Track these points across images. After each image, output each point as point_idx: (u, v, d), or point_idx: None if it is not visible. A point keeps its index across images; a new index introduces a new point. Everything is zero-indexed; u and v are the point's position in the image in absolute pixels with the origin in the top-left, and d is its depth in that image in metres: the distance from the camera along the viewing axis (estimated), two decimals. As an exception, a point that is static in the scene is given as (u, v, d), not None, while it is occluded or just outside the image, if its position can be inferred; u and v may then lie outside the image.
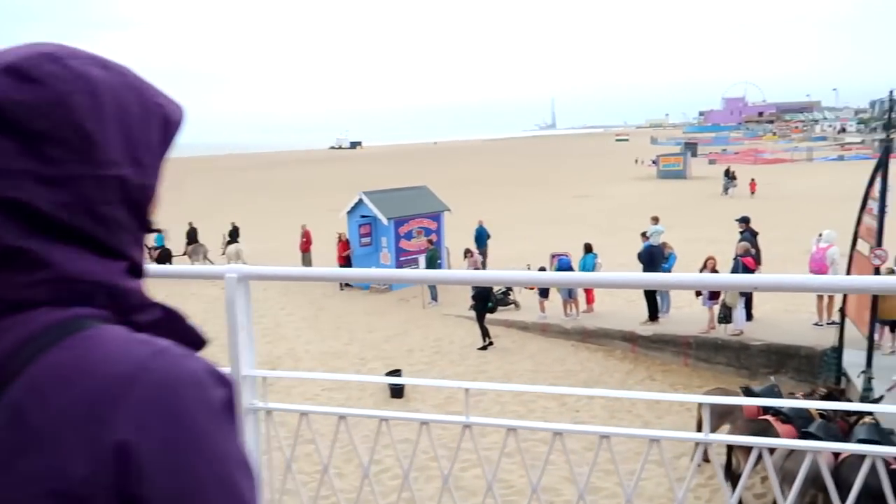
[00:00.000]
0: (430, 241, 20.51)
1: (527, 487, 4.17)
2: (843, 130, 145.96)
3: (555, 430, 2.43)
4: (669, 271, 14.62)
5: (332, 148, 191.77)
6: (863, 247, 9.47)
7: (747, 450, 7.96)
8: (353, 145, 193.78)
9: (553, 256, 19.26)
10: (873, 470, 6.90)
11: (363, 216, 21.41)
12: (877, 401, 8.39)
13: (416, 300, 19.21)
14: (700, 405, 9.49)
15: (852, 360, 10.41)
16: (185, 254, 23.75)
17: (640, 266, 14.80)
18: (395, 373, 12.94)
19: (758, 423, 8.53)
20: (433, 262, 19.24)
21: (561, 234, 30.22)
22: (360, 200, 21.42)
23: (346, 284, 21.15)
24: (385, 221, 20.76)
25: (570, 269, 15.90)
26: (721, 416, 9.42)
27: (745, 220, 13.96)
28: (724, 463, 8.80)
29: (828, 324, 12.91)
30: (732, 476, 8.57)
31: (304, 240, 22.91)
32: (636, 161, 74.11)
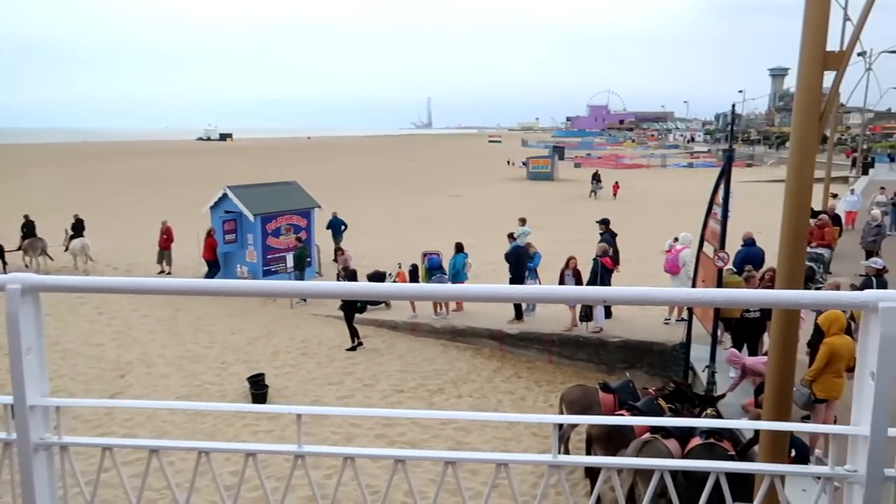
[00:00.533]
0: (298, 239, 19.84)
1: None
2: (692, 140, 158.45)
3: (396, 457, 2.22)
4: (535, 269, 15.00)
5: (200, 139, 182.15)
6: (708, 249, 10.14)
7: (605, 445, 8.13)
8: (223, 137, 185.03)
9: (424, 255, 19.24)
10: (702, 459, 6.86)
11: (227, 212, 20.35)
12: (719, 398, 8.97)
13: (283, 300, 18.52)
14: (560, 400, 9.75)
15: (698, 354, 11.14)
16: (19, 248, 21.49)
17: (507, 266, 15.06)
18: (258, 377, 12.34)
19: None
20: (302, 261, 18.63)
21: (434, 233, 30.42)
22: (225, 195, 20.34)
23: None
24: (251, 218, 19.84)
25: (440, 267, 15.93)
26: (581, 410, 9.70)
27: (605, 223, 14.61)
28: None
29: (676, 320, 13.77)
30: (592, 473, 8.85)
31: (164, 236, 21.42)
32: (508, 163, 76.29)
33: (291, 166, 72.59)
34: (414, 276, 16.25)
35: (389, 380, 13.04)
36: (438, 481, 2.24)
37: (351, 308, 14.80)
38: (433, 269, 15.77)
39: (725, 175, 9.31)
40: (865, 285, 13.33)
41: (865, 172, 49.22)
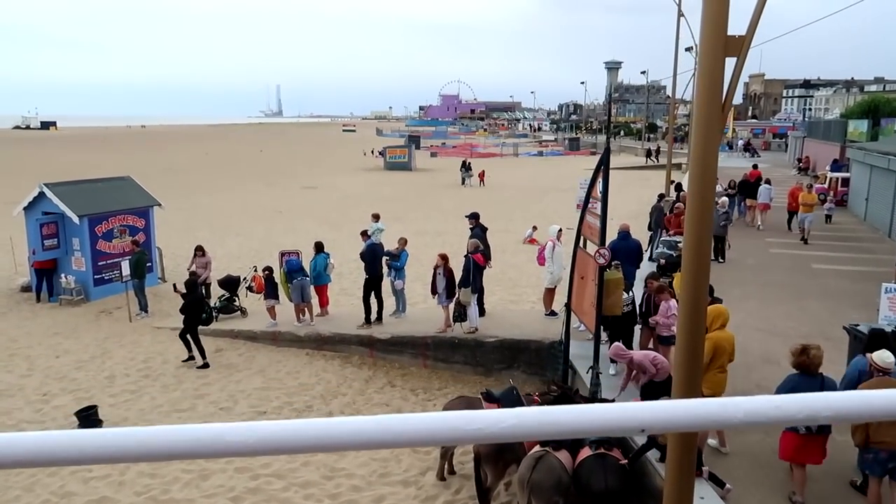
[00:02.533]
0: (135, 243, 17.61)
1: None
2: (539, 129, 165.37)
3: None
4: (401, 269, 14.14)
5: (18, 128, 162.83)
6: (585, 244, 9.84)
7: (494, 462, 7.25)
8: (45, 126, 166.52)
9: (282, 255, 17.77)
10: (600, 471, 6.51)
11: (46, 213, 17.60)
12: (606, 402, 8.65)
13: (120, 311, 16.34)
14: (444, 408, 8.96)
15: (577, 352, 10.86)
16: None
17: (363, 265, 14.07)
18: (89, 410, 10.51)
19: (502, 432, 8.23)
20: (141, 267, 16.49)
21: (289, 228, 28.73)
22: (42, 194, 17.58)
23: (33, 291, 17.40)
24: (76, 219, 17.28)
25: (300, 269, 14.63)
26: (465, 425, 9.02)
27: (474, 217, 14.05)
28: (474, 478, 8.36)
29: (545, 315, 13.52)
30: (482, 490, 8.18)
31: (-35, 243, 18.24)
32: (365, 153, 74.86)
33: (125, 158, 66.64)
34: (270, 282, 14.81)
35: (249, 400, 11.67)
36: None
37: (193, 320, 13.14)
38: (293, 272, 14.45)
39: (603, 168, 8.95)
40: (678, 264, 13.82)
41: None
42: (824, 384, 6.64)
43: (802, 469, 6.90)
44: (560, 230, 13.10)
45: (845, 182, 29.41)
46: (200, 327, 13.38)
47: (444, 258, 13.09)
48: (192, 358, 13.19)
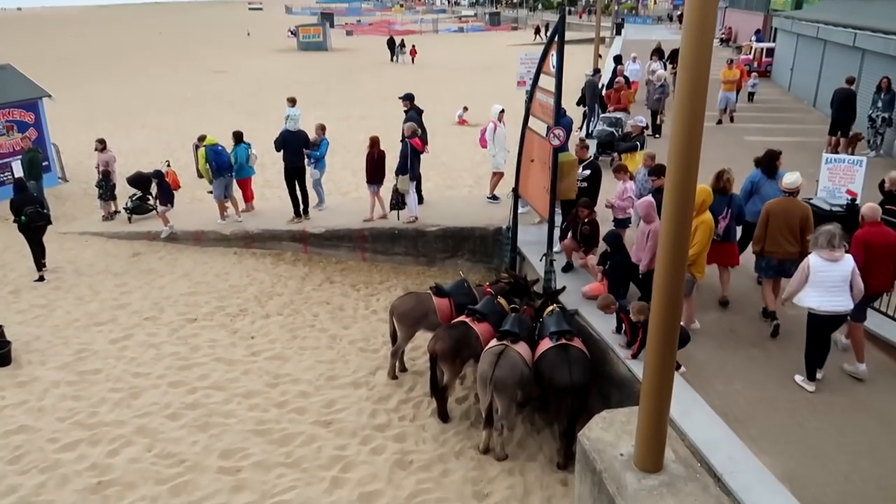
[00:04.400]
0: (27, 140, 15.66)
1: None
2: (458, 3, 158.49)
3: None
4: (321, 158, 13.04)
5: None
6: (535, 125, 9.12)
7: (451, 360, 6.54)
8: None
9: (196, 146, 16.28)
10: (564, 364, 5.92)
11: (-88, 110, 15.30)
12: (559, 292, 8.28)
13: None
14: (390, 313, 8.48)
15: (525, 238, 10.42)
16: None
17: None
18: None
19: (457, 329, 7.83)
20: (36, 167, 14.71)
21: (200, 117, 26.58)
22: None
23: None
24: (-50, 116, 15.12)
25: (230, 166, 13.24)
26: (415, 322, 8.58)
27: (408, 98, 12.96)
28: (430, 376, 7.99)
29: (487, 199, 12.97)
30: (438, 388, 7.84)
31: None
32: (289, 34, 69.15)
33: (2, 48, 59.87)
34: (163, 188, 13.46)
35: (176, 307, 10.80)
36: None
37: (27, 221, 11.71)
38: (223, 170, 13.07)
39: (558, 40, 8.09)
40: (628, 139, 13.50)
41: (619, 33, 52.30)
42: (732, 199, 8.22)
43: (726, 270, 8.42)
44: (502, 111, 12.27)
45: (770, 53, 29.39)
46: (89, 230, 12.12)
47: (373, 142, 12.13)
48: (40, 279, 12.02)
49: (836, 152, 14.76)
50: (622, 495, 5.20)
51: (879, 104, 15.28)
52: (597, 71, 20.31)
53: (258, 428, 7.73)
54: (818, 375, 6.87)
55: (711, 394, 6.66)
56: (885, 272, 6.96)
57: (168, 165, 14.91)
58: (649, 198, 7.65)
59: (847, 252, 6.66)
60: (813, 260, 6.60)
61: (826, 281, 6.51)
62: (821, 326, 6.70)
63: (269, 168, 18.28)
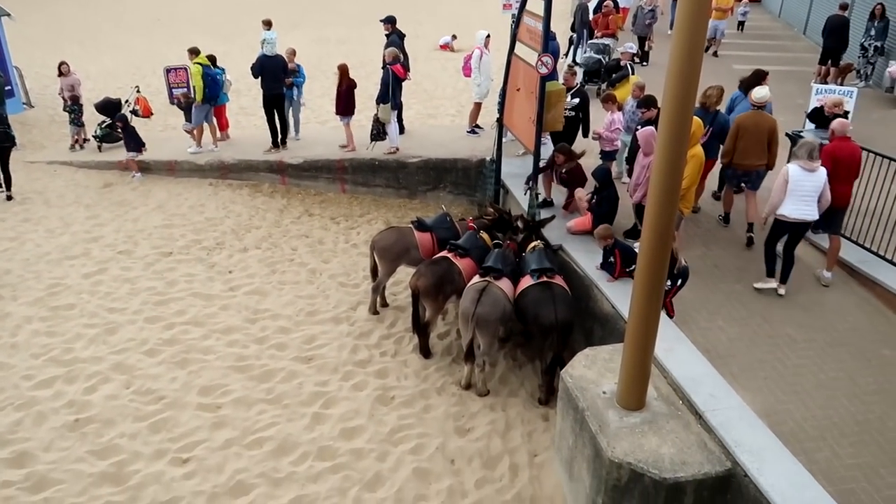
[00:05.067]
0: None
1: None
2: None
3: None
4: (301, 87, 12.54)
5: None
6: (522, 51, 8.72)
7: (434, 296, 6.44)
8: None
9: (168, 71, 15.59)
10: (549, 303, 5.85)
11: None
12: (544, 223, 8.12)
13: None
14: (371, 248, 8.30)
15: (510, 170, 10.18)
16: None
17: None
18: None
19: (439, 265, 7.69)
20: (-2, 92, 14.01)
21: (172, 40, 25.41)
22: None
23: None
24: None
25: (218, 92, 12.60)
26: (397, 256, 8.42)
27: (390, 21, 12.33)
28: (412, 312, 7.90)
29: (468, 131, 12.62)
30: (420, 324, 7.77)
31: None
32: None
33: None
34: (129, 132, 12.86)
35: (151, 240, 10.51)
36: None
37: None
38: (212, 97, 12.47)
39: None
40: (611, 69, 13.14)
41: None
42: (717, 116, 8.60)
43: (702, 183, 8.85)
44: (488, 36, 11.76)
45: (762, -24, 28.47)
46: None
47: (342, 71, 11.64)
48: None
49: (826, 82, 14.48)
50: (604, 433, 5.22)
51: (872, 32, 14.90)
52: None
53: (238, 364, 7.65)
54: (781, 291, 7.29)
55: (695, 330, 6.65)
56: (847, 185, 7.41)
57: (138, 91, 14.29)
58: (651, 129, 7.40)
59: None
60: (792, 169, 6.97)
61: (800, 190, 6.94)
62: (786, 231, 7.19)
63: (244, 95, 17.62)
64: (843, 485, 4.96)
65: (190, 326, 8.33)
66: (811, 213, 7.00)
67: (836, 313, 7.07)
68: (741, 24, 21.90)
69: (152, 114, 14.59)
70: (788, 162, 7.29)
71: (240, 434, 6.65)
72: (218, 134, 13.43)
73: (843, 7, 15.43)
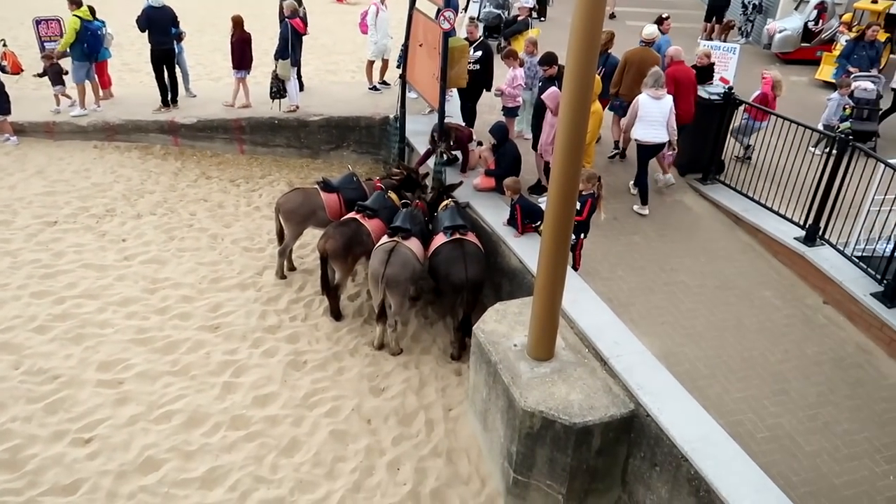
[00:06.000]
0: None
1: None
2: None
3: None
4: (180, 38, 11.80)
5: None
6: (423, 6, 8.57)
7: (343, 258, 6.43)
8: None
9: (38, 23, 14.31)
10: (460, 261, 6.04)
11: None
12: (453, 187, 8.12)
13: None
14: (276, 210, 8.09)
15: (415, 128, 10.08)
16: None
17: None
18: None
19: (347, 226, 7.59)
20: None
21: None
22: None
23: None
24: None
25: (100, 48, 11.59)
26: (303, 219, 8.25)
27: (283, -26, 11.78)
28: (320, 275, 7.79)
29: (369, 89, 12.39)
30: (329, 287, 7.68)
31: None
32: None
33: None
34: (55, 70, 11.71)
35: (32, 209, 9.73)
36: None
37: None
38: (93, 53, 11.42)
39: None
40: (510, 24, 13.30)
41: None
42: (608, 59, 9.38)
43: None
44: (386, -10, 11.49)
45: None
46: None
47: (236, 22, 11.09)
48: None
49: (711, 39, 15.16)
50: (516, 384, 5.40)
51: (752, -10, 15.69)
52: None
53: (139, 337, 7.31)
54: (644, 211, 8.31)
55: (597, 281, 6.95)
56: (689, 101, 8.50)
57: (4, 45, 13.05)
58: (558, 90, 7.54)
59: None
60: (642, 98, 7.94)
61: (649, 116, 7.89)
62: (642, 153, 8.20)
63: (126, 49, 16.46)
64: (733, 416, 5.40)
65: (83, 300, 7.85)
66: (660, 136, 7.97)
67: (724, 259, 7.57)
68: None
69: (22, 70, 13.39)
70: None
71: (145, 409, 6.41)
72: (100, 92, 12.49)
73: (726, -34, 16.10)
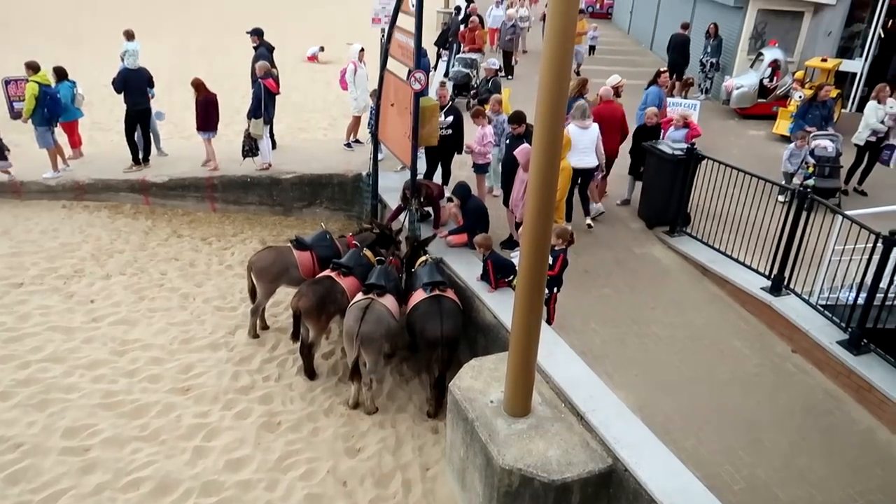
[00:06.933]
0: None
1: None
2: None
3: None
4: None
5: None
6: (394, 67, 8.79)
7: (316, 316, 6.38)
8: None
9: (8, 83, 14.29)
10: (436, 317, 6.03)
11: None
12: (427, 241, 8.19)
13: None
14: (249, 269, 8.04)
15: (387, 184, 10.21)
16: None
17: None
18: None
19: (321, 284, 7.58)
20: None
21: (9, 46, 23.23)
22: None
23: None
24: None
25: (61, 111, 11.58)
26: (276, 277, 8.22)
27: (257, 33, 11.96)
28: (292, 332, 7.74)
29: (344, 145, 12.57)
30: (304, 345, 7.61)
31: None
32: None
33: None
34: None
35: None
36: None
37: None
38: (54, 118, 11.41)
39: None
40: (482, 86, 13.72)
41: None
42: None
43: None
44: (362, 49, 11.76)
45: (611, -6, 30.53)
46: None
47: (196, 85, 11.19)
48: None
49: (672, 95, 15.74)
50: (494, 441, 5.37)
51: (709, 49, 16.39)
52: (458, 9, 19.97)
53: (106, 401, 7.13)
54: (589, 221, 9.32)
55: (571, 334, 7.00)
56: (615, 138, 9.57)
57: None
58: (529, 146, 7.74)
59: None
60: (571, 128, 8.66)
61: (579, 144, 8.67)
62: (575, 179, 8.82)
63: (97, 107, 16.49)
64: (709, 468, 5.42)
65: (48, 363, 7.66)
66: (590, 161, 8.82)
67: (694, 310, 7.71)
68: (592, 48, 23.16)
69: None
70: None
71: (112, 476, 6.20)
72: (69, 151, 12.46)
73: (685, 26, 16.87)
